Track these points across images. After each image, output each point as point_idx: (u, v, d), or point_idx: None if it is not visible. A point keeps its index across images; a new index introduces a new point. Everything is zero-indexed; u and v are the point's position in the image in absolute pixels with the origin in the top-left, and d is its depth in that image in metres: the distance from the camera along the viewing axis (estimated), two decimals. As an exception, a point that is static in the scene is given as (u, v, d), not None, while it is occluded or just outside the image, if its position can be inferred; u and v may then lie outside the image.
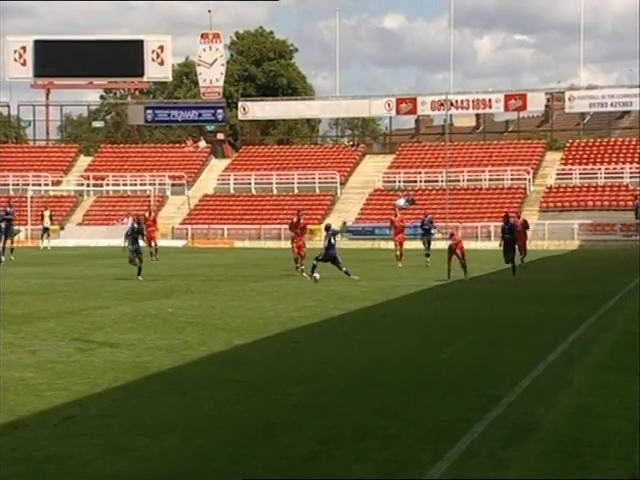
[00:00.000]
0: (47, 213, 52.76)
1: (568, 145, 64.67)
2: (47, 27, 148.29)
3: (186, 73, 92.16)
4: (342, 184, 63.91)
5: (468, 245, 33.42)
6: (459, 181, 60.69)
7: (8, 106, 78.61)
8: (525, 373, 11.27)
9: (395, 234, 34.85)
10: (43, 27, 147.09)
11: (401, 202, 56.00)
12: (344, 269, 26.30)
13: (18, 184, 65.91)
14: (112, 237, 55.64)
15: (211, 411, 9.32)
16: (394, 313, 18.44)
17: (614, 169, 59.55)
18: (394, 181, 62.86)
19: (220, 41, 73.56)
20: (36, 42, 72.95)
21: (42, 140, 75.75)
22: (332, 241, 26.78)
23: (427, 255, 33.05)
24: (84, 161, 71.69)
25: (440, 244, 36.12)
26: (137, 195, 65.26)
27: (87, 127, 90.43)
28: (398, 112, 69.25)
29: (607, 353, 13.30)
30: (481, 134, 75.31)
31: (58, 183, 68.23)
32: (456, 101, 65.95)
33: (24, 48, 72.76)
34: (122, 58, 71.56)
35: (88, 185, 67.20)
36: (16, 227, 42.10)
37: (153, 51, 72.85)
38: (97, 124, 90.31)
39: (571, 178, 59.78)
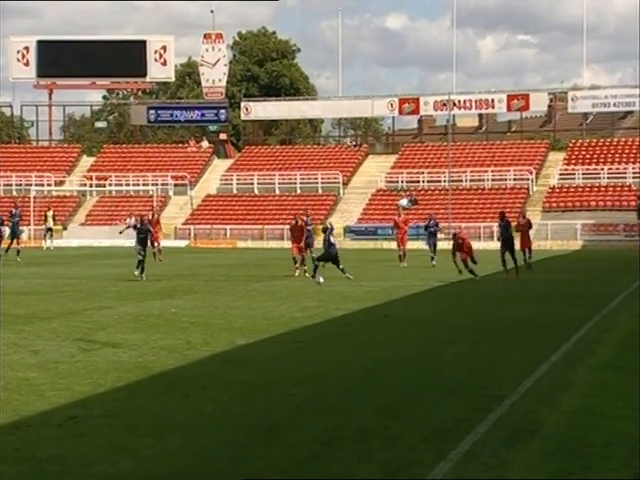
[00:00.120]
0: (50, 213, 52.78)
1: (571, 145, 64.63)
2: (50, 27, 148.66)
3: (189, 73, 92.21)
4: (345, 184, 63.92)
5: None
6: (462, 181, 60.69)
7: (11, 106, 78.83)
8: (528, 373, 11.26)
9: (398, 234, 34.85)
10: (46, 27, 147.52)
11: (404, 202, 55.97)
12: (341, 266, 26.43)
13: (21, 184, 65.97)
14: (115, 237, 55.69)
15: (214, 411, 9.32)
16: (397, 313, 18.42)
17: (617, 169, 59.53)
18: (397, 181, 62.86)
19: (223, 41, 73.59)
20: (39, 42, 73.03)
21: (45, 140, 75.84)
22: (332, 240, 26.87)
23: (432, 259, 32.99)
24: (87, 161, 71.75)
25: (442, 244, 36.12)
26: (140, 195, 65.31)
27: (90, 127, 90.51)
28: (401, 112, 69.25)
29: (610, 353, 13.29)
30: (484, 134, 75.28)
31: (61, 183, 68.29)
32: (459, 101, 65.92)
33: (27, 48, 72.84)
34: (125, 58, 71.63)
35: (91, 185, 67.27)
36: (20, 228, 42.12)
37: (156, 51, 72.90)
38: (100, 124, 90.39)
39: (574, 178, 59.77)
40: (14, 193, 65.11)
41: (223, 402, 9.74)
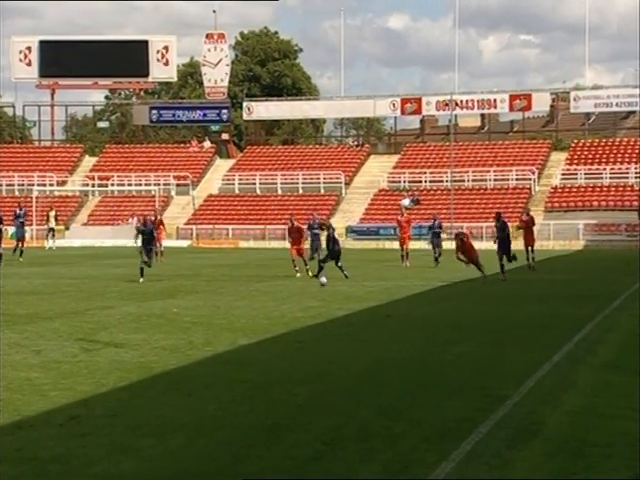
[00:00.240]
0: (52, 213, 52.84)
1: (573, 145, 64.62)
2: (52, 27, 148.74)
3: (191, 73, 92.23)
4: (347, 184, 63.93)
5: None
6: (464, 181, 60.70)
7: (13, 106, 78.92)
8: (530, 373, 11.25)
9: (401, 234, 34.84)
10: (47, 27, 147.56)
11: (406, 202, 55.92)
12: (340, 264, 26.59)
13: (23, 184, 66.04)
14: (117, 237, 55.79)
15: (216, 411, 9.31)
16: (399, 313, 18.42)
17: (619, 169, 59.51)
18: (399, 181, 62.87)
19: (225, 41, 73.62)
20: (41, 42, 73.07)
21: (47, 140, 75.89)
22: (336, 236, 27.12)
23: (436, 259, 32.95)
24: (89, 161, 71.81)
25: (445, 244, 36.08)
26: (142, 195, 65.34)
27: (92, 127, 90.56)
28: (403, 112, 69.25)
29: (612, 353, 13.28)
30: (486, 134, 75.27)
31: (63, 183, 68.34)
32: (461, 101, 65.92)
33: (29, 48, 72.88)
34: (127, 58, 71.66)
35: (93, 185, 67.32)
36: (24, 228, 42.17)
37: (158, 51, 72.93)
38: (102, 124, 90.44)
39: (576, 178, 59.76)
40: (16, 193, 65.18)
41: (225, 402, 9.74)
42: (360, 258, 37.29)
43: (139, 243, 27.09)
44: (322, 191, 63.42)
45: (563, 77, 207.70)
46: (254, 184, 64.70)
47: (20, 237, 40.08)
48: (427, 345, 13.93)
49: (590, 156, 62.12)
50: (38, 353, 13.05)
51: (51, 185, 66.91)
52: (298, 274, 28.15)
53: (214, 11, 79.11)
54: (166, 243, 42.15)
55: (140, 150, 72.12)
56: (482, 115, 79.28)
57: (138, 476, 7.22)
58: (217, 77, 72.50)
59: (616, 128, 72.34)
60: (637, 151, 61.31)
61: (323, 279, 24.29)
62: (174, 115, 73.41)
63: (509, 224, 29.87)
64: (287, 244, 49.47)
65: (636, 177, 58.05)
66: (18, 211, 42.14)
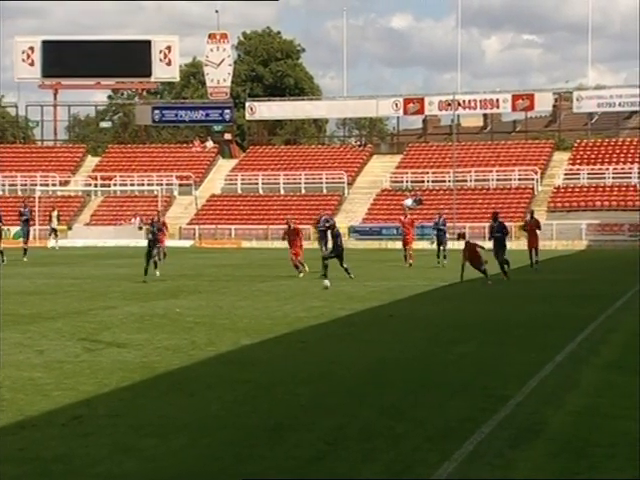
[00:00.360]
0: (54, 214, 52.87)
1: (576, 145, 64.58)
2: (55, 27, 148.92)
3: (193, 73, 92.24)
4: (349, 184, 63.93)
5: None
6: (466, 181, 60.67)
7: (16, 106, 78.99)
8: (533, 373, 11.25)
9: (404, 235, 34.77)
10: (49, 27, 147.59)
11: (408, 202, 55.98)
12: (345, 265, 26.62)
13: (26, 184, 66.06)
14: (120, 237, 55.84)
15: (219, 411, 9.32)
16: (402, 313, 18.42)
17: (622, 169, 59.47)
18: (401, 181, 62.85)
19: (227, 41, 73.63)
20: (44, 42, 73.11)
21: (50, 140, 75.92)
22: (338, 233, 27.29)
23: (444, 257, 32.64)
24: (92, 161, 71.83)
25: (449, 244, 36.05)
26: (144, 195, 65.36)
27: (95, 127, 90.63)
28: (405, 112, 69.24)
29: (615, 353, 13.28)
30: (489, 134, 75.26)
31: (66, 183, 68.37)
32: (464, 101, 65.91)
33: (32, 48, 72.92)
34: (130, 58, 71.67)
35: (96, 185, 67.34)
36: (29, 228, 42.25)
37: (160, 51, 72.95)
38: (105, 124, 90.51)
39: (579, 178, 59.72)
40: (19, 193, 65.21)
41: (228, 402, 9.74)
42: (362, 258, 37.29)
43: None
44: (325, 191, 63.42)
45: (566, 77, 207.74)
46: (257, 184, 64.71)
47: (25, 236, 40.20)
48: (430, 345, 13.93)
49: (593, 156, 62.08)
50: (41, 353, 13.06)
51: (54, 185, 66.95)
52: (301, 274, 28.19)
53: (217, 11, 79.26)
54: (168, 243, 42.11)
55: (143, 150, 72.14)
56: (485, 115, 79.28)
57: (141, 476, 7.23)
58: (220, 77, 72.52)
59: (619, 128, 72.29)
60: (640, 151, 61.30)
61: (326, 282, 24.07)
62: (177, 115, 73.43)
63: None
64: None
65: (639, 177, 58.01)
66: (22, 210, 42.18)
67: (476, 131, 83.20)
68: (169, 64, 73.26)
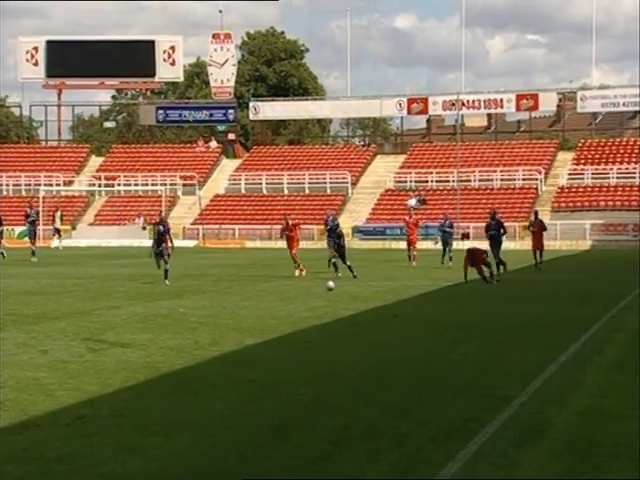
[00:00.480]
0: (58, 214, 52.96)
1: (580, 145, 64.55)
2: (59, 27, 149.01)
3: (197, 73, 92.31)
4: (353, 184, 63.94)
5: (479, 246, 33.28)
6: (470, 181, 60.67)
7: (20, 106, 79.03)
8: (537, 373, 11.24)
9: (409, 235, 34.74)
10: (55, 27, 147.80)
11: (412, 202, 55.98)
12: (348, 263, 27.01)
13: (30, 184, 66.15)
14: (124, 237, 55.89)
15: (223, 411, 9.31)
16: (405, 313, 18.41)
17: (626, 169, 59.43)
18: (405, 181, 62.86)
19: (231, 41, 73.68)
20: (48, 42, 73.20)
21: (54, 140, 76.02)
22: (341, 233, 27.82)
23: (450, 259, 32.50)
24: (96, 161, 71.91)
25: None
26: (148, 195, 65.41)
27: (99, 127, 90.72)
28: (409, 112, 69.25)
29: (619, 353, 13.26)
30: (493, 134, 75.21)
31: (70, 183, 68.44)
32: (467, 101, 65.89)
33: (36, 48, 73.02)
34: (134, 58, 71.75)
35: (99, 185, 67.43)
36: (34, 228, 42.27)
37: (164, 51, 73.02)
38: (109, 124, 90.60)
39: (583, 178, 59.69)
40: (23, 193, 65.31)
41: (232, 402, 9.74)
42: (366, 258, 37.28)
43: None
44: (328, 191, 63.43)
45: (570, 77, 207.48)
46: (260, 184, 64.73)
47: (32, 237, 40.28)
48: (433, 345, 13.92)
49: (597, 156, 62.04)
50: (45, 353, 13.07)
51: (58, 185, 67.02)
52: (303, 273, 28.22)
53: (220, 11, 79.75)
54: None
55: (147, 150, 72.20)
56: (489, 115, 79.25)
57: (145, 476, 7.22)
58: (223, 77, 72.56)
59: (623, 128, 72.25)
60: (644, 151, 61.23)
61: (330, 283, 23.86)
62: (180, 115, 73.49)
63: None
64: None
65: (643, 177, 57.98)
66: (29, 211, 42.22)
67: (480, 131, 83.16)
68: (173, 64, 73.33)
